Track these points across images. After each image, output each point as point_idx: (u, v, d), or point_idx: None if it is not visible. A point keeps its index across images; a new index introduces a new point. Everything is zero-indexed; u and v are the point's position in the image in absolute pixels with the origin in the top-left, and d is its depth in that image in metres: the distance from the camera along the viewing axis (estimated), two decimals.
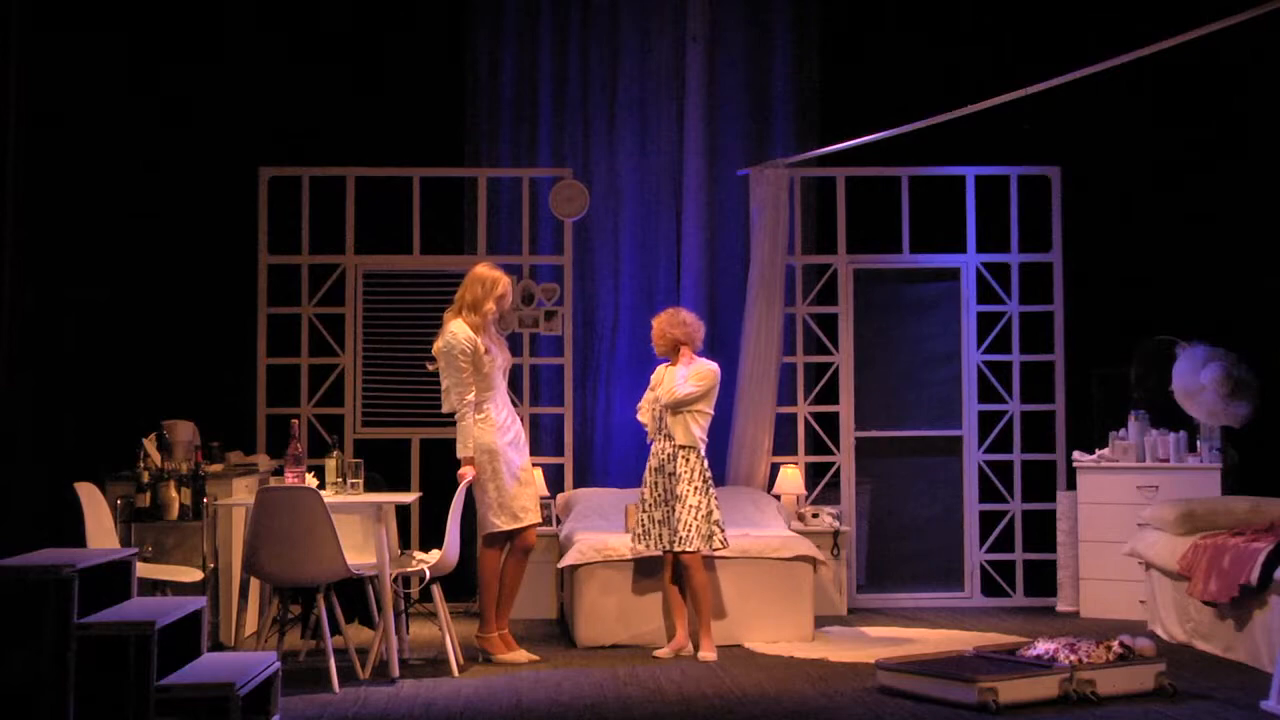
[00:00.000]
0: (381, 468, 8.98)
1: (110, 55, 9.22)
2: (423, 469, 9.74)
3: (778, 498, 9.76)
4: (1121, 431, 9.55)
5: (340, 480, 7.79)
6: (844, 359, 10.17)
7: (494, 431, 7.86)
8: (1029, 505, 10.14)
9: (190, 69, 9.72)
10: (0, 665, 5.45)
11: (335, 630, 7.57)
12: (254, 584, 7.84)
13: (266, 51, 9.87)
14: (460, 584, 9.09)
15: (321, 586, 7.33)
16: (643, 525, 8.18)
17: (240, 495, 8.33)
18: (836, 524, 9.67)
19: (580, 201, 9.94)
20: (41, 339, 8.37)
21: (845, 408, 10.16)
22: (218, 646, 7.80)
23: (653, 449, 8.22)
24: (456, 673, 7.58)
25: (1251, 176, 9.71)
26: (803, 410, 10.17)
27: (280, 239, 9.91)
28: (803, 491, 9.90)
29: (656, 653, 8.12)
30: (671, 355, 8.24)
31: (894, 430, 10.37)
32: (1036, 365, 10.19)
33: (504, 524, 7.85)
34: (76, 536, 7.40)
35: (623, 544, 8.45)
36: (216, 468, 8.46)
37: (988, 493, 10.17)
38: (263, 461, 9.26)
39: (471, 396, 7.82)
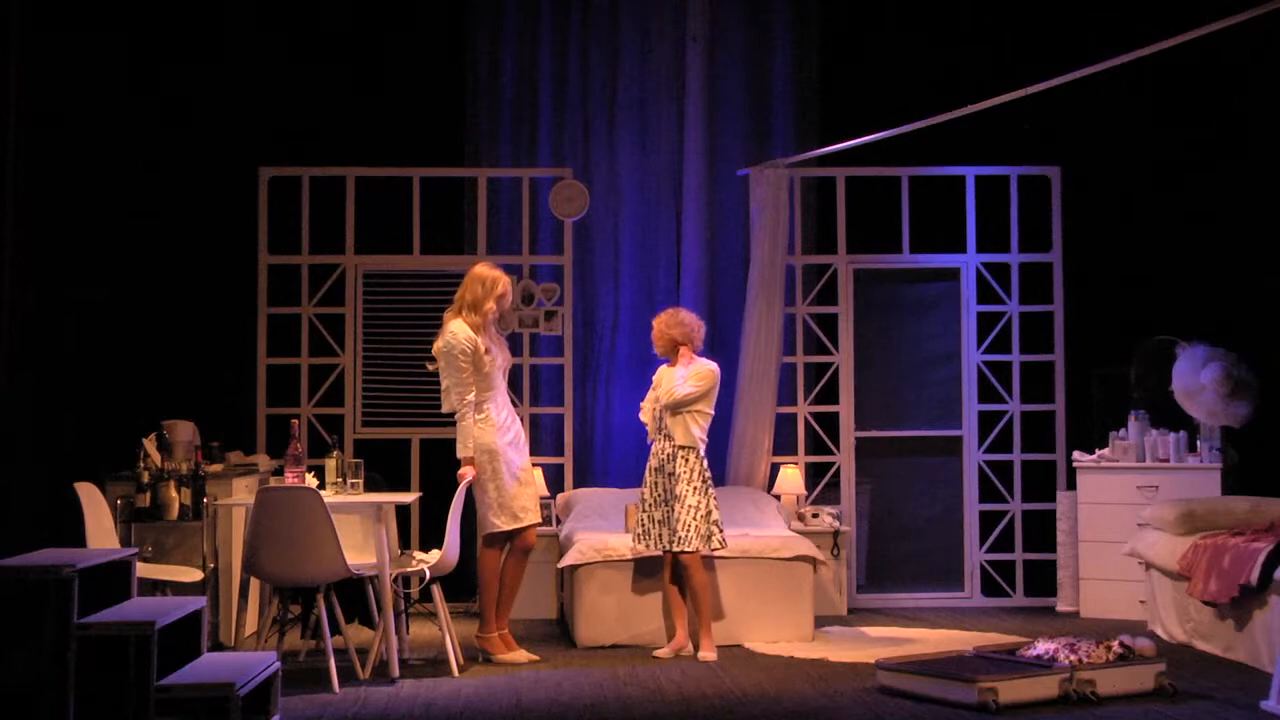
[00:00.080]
0: (381, 468, 8.98)
1: (110, 55, 9.21)
2: (423, 469, 9.74)
3: (778, 498, 9.76)
4: (1121, 431, 9.55)
5: (340, 480, 7.79)
6: (844, 359, 10.17)
7: (494, 431, 7.86)
8: (1029, 505, 10.14)
9: (190, 69, 9.72)
10: (0, 665, 5.45)
11: (335, 630, 7.57)
12: (254, 584, 7.84)
13: (266, 51, 9.87)
14: (460, 584, 9.09)
15: (321, 586, 7.33)
16: (643, 525, 8.18)
17: (240, 495, 8.33)
18: (836, 524, 9.67)
19: (580, 201, 9.94)
20: (41, 339, 8.37)
21: (845, 408, 10.16)
22: (218, 646, 7.80)
23: (653, 449, 8.22)
24: (456, 673, 7.58)
25: (1251, 176, 9.71)
26: (803, 410, 10.17)
27: (280, 239, 9.91)
28: (803, 491, 9.90)
29: (656, 653, 8.12)
30: (671, 355, 8.24)
31: (894, 430, 10.37)
32: (1036, 365, 10.19)
33: (504, 524, 7.85)
34: (76, 536, 7.40)
35: (623, 544, 8.45)
36: (216, 468, 8.46)
37: (988, 493, 10.17)
38: (263, 461, 9.26)
39: (472, 396, 7.82)
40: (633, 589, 8.43)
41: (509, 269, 8.42)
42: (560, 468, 10.01)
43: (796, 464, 10.00)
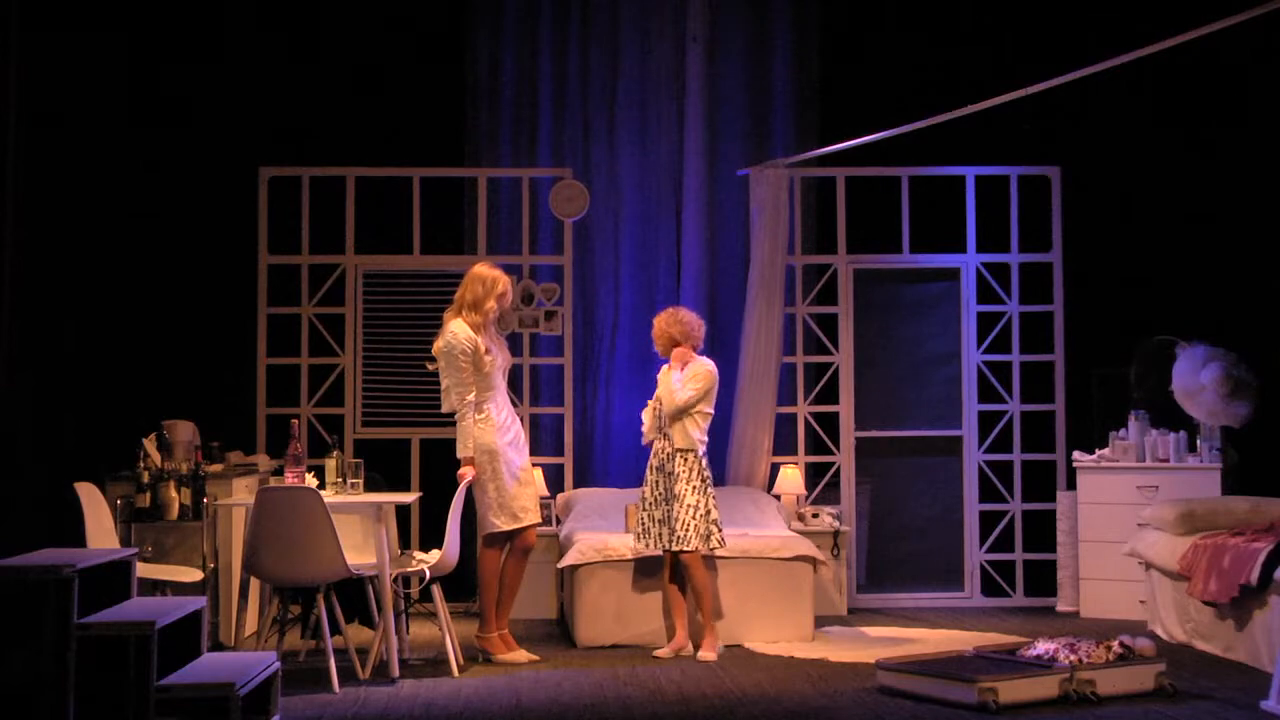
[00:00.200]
0: (381, 468, 8.98)
1: (110, 55, 9.21)
2: (423, 469, 9.74)
3: (778, 498, 9.76)
4: (1121, 431, 9.55)
5: (340, 480, 7.79)
6: (844, 359, 10.17)
7: (494, 431, 7.86)
8: (1029, 505, 10.14)
9: (190, 69, 9.72)
10: (0, 665, 5.45)
11: (335, 630, 7.57)
12: (254, 584, 7.84)
13: (266, 51, 9.88)
14: (460, 584, 9.10)
15: (321, 586, 7.33)
16: (643, 524, 8.18)
17: (240, 495, 8.33)
18: (836, 524, 9.67)
19: (580, 201, 9.94)
20: (41, 339, 8.36)
21: (845, 408, 10.16)
22: (218, 646, 7.80)
23: (654, 448, 8.22)
24: (456, 673, 7.58)
25: (1251, 177, 9.71)
26: (803, 410, 10.17)
27: (280, 239, 9.91)
28: (803, 491, 9.90)
29: (656, 653, 8.12)
30: (671, 354, 8.24)
31: (894, 430, 10.37)
32: (1036, 365, 10.19)
33: (504, 524, 7.85)
34: (76, 536, 7.40)
35: (623, 544, 8.45)
36: (216, 468, 8.46)
37: (988, 493, 10.17)
38: (263, 461, 9.26)
39: (472, 396, 7.82)
40: (633, 589, 8.43)
41: (509, 269, 8.42)
42: (560, 468, 10.01)
43: (796, 464, 10.00)
